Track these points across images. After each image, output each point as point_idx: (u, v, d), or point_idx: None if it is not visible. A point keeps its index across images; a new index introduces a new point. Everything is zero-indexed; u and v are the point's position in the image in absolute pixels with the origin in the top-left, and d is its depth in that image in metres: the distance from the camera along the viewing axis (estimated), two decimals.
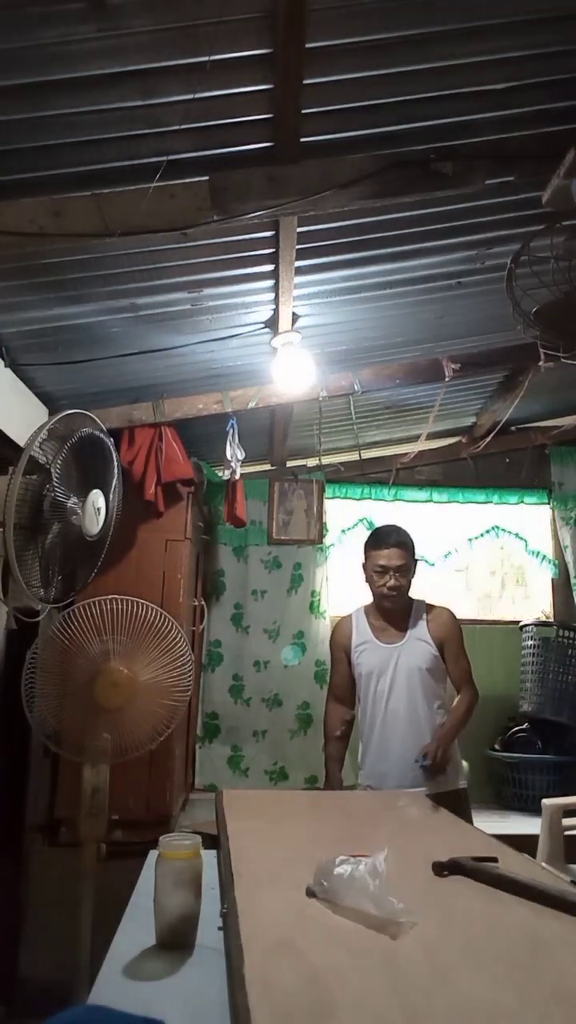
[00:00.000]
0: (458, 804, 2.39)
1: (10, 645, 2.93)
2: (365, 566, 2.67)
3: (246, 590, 4.22)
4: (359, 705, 2.67)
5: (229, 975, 1.02)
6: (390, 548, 2.59)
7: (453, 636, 2.62)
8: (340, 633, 2.74)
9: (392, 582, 2.57)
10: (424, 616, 2.63)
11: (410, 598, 2.66)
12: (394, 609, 2.62)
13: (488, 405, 4.01)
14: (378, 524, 4.35)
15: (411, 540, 2.65)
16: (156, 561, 3.31)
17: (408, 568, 2.60)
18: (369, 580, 2.65)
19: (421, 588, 4.32)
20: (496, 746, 4.06)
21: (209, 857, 1.46)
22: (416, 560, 2.67)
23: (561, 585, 4.43)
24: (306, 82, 1.63)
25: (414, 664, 2.54)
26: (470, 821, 2.28)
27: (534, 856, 2.52)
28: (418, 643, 2.57)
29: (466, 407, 4.09)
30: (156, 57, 1.55)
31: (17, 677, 2.54)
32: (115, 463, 2.57)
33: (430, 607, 2.67)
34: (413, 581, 2.64)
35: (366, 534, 4.28)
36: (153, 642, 2.59)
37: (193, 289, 2.42)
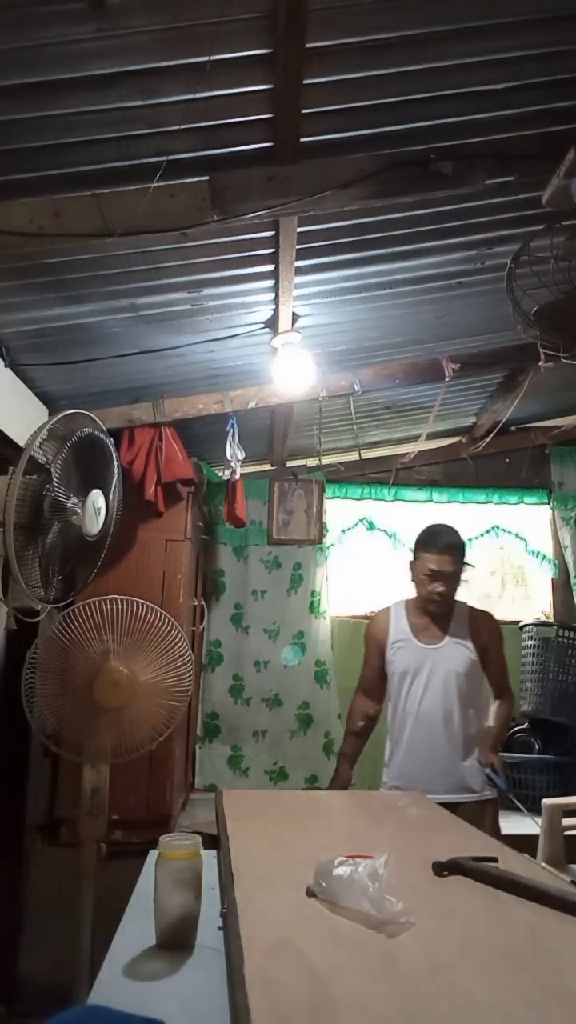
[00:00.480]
0: (483, 815, 2.37)
1: (10, 645, 2.94)
2: (414, 566, 2.58)
3: (246, 590, 4.22)
4: (389, 703, 2.61)
5: (229, 975, 1.02)
6: (442, 554, 2.49)
7: (495, 641, 2.56)
8: (376, 627, 2.67)
9: (441, 588, 2.49)
10: (466, 619, 2.56)
11: (453, 599, 2.59)
12: (444, 610, 2.55)
13: (488, 405, 4.01)
14: (377, 524, 4.39)
15: (463, 543, 2.58)
16: (156, 561, 3.31)
17: (458, 574, 2.52)
18: (416, 581, 2.57)
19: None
20: None
21: (209, 857, 1.45)
22: (466, 564, 2.58)
23: (561, 585, 4.43)
24: (306, 82, 1.62)
25: (452, 668, 2.48)
26: (497, 834, 2.25)
27: (534, 856, 2.52)
28: (457, 647, 2.50)
29: (466, 407, 4.09)
30: (156, 57, 1.55)
31: (17, 677, 2.54)
32: (115, 463, 2.57)
33: (472, 610, 2.60)
34: (461, 585, 2.57)
35: (366, 534, 4.37)
36: (153, 642, 2.59)
37: (193, 289, 2.42)
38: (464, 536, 2.64)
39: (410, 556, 2.64)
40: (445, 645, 2.50)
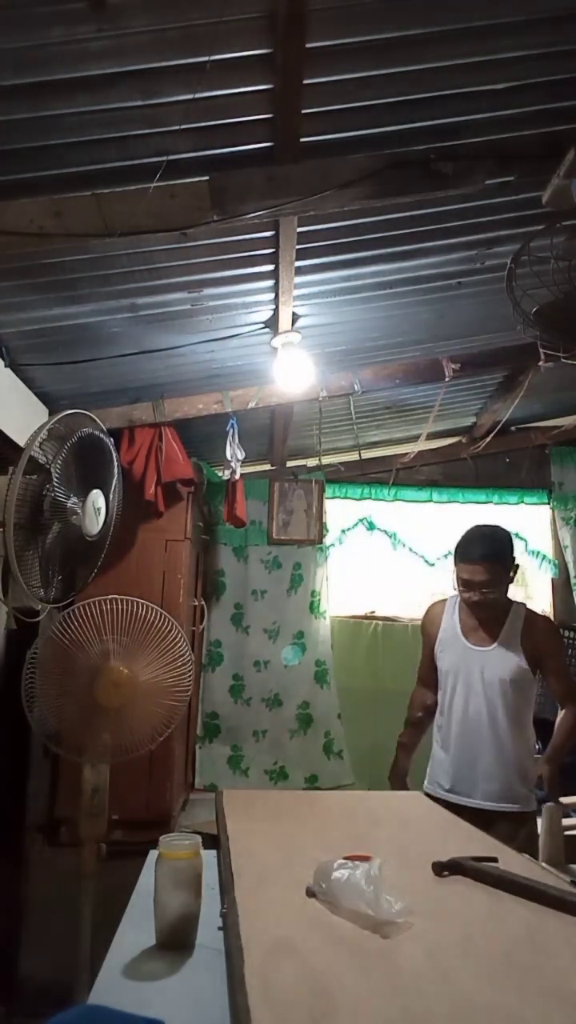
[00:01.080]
0: (520, 828, 2.30)
1: (10, 645, 2.94)
2: (454, 572, 2.50)
3: (246, 590, 4.22)
4: (439, 695, 2.56)
5: (229, 975, 1.02)
6: (474, 564, 2.40)
7: (551, 649, 2.43)
8: (429, 620, 2.63)
9: (477, 597, 2.41)
10: (521, 623, 2.45)
11: (509, 600, 2.50)
12: (493, 613, 2.47)
13: (488, 405, 4.01)
14: (377, 524, 4.39)
15: (503, 548, 2.46)
16: (156, 561, 3.31)
17: (496, 581, 2.40)
18: (457, 587, 2.49)
19: (422, 588, 4.40)
20: None
21: (209, 857, 1.46)
22: (513, 566, 2.46)
23: (561, 585, 4.43)
24: (306, 82, 1.62)
25: (498, 675, 2.39)
26: (534, 852, 2.15)
27: (534, 856, 2.52)
28: (507, 653, 2.40)
29: (466, 407, 4.09)
30: (156, 57, 1.55)
31: (17, 677, 2.54)
32: (115, 463, 2.57)
33: (529, 613, 2.49)
34: (511, 586, 2.47)
35: (366, 534, 4.36)
36: (153, 642, 2.59)
37: (193, 289, 2.42)
38: (507, 534, 2.52)
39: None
40: (494, 649, 2.41)
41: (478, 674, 2.42)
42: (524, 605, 2.52)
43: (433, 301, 2.82)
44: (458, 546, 2.50)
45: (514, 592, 2.59)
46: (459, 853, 1.44)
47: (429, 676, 2.61)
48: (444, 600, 2.64)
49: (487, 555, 2.40)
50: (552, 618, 4.32)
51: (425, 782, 2.54)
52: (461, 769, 2.41)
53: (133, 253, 2.13)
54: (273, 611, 4.20)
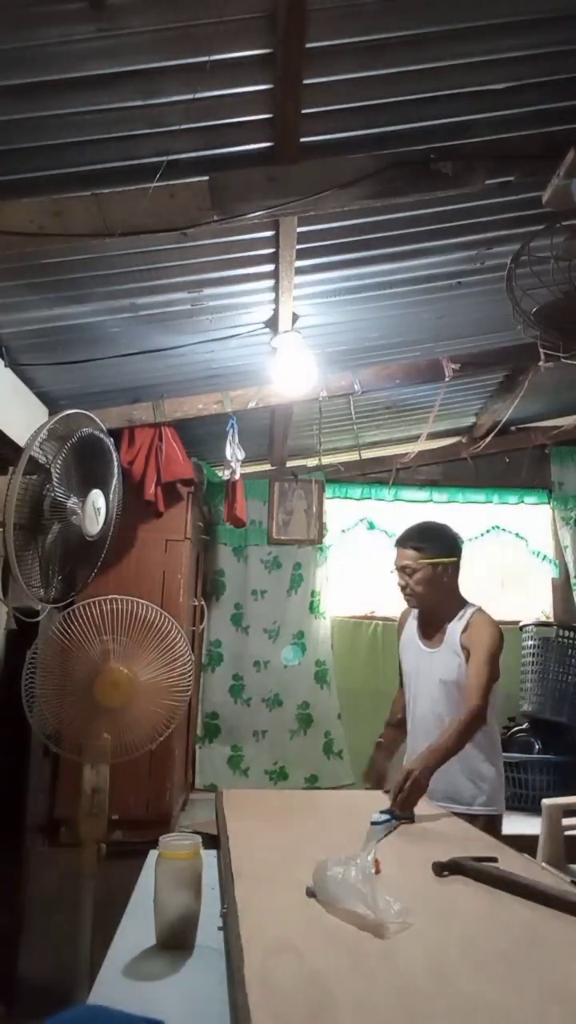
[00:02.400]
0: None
1: (10, 645, 2.94)
2: None
3: (246, 590, 4.22)
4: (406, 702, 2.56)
5: (229, 975, 1.02)
6: (397, 548, 2.45)
7: (478, 644, 2.33)
8: (399, 624, 2.65)
9: (401, 582, 2.43)
10: (463, 625, 2.40)
11: (460, 599, 2.45)
12: (435, 612, 2.44)
13: (488, 405, 4.01)
14: (377, 524, 4.39)
15: (428, 537, 2.42)
16: (156, 561, 3.31)
17: (409, 569, 2.39)
18: None
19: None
20: None
21: (209, 857, 1.46)
22: (434, 556, 2.38)
23: (561, 585, 4.43)
24: (306, 82, 1.63)
25: (442, 675, 2.38)
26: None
27: (534, 856, 2.52)
28: (450, 654, 2.38)
29: (466, 407, 4.09)
30: (156, 57, 1.55)
31: (17, 677, 2.54)
32: (115, 463, 2.57)
33: (475, 615, 2.41)
34: (437, 581, 2.39)
35: (366, 534, 4.36)
36: (153, 642, 2.59)
37: (193, 289, 2.42)
38: (441, 529, 2.49)
39: None
40: (440, 651, 2.41)
41: (426, 675, 2.43)
42: (478, 609, 2.43)
43: (433, 301, 2.82)
44: None
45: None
46: (459, 853, 1.44)
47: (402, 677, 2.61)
48: (407, 608, 2.62)
49: (407, 538, 2.42)
50: (552, 618, 4.33)
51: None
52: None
53: (133, 253, 2.13)
54: (273, 611, 4.20)
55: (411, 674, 2.49)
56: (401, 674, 2.59)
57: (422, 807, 1.98)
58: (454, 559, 2.45)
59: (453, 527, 2.56)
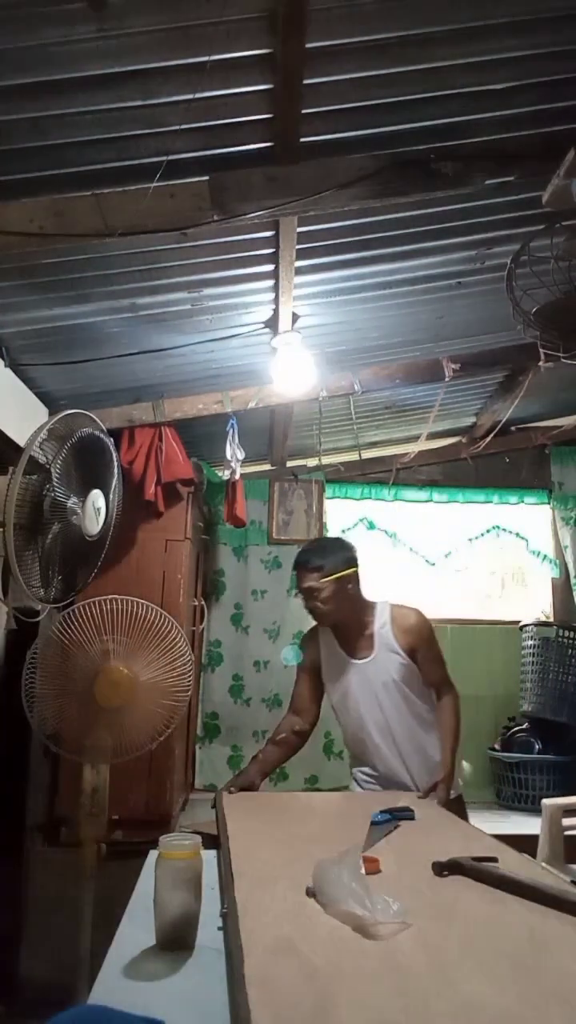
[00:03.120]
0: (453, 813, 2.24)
1: (10, 645, 2.94)
2: None
3: (246, 590, 4.22)
4: (340, 723, 2.50)
5: (229, 975, 1.02)
6: (297, 572, 2.38)
7: (423, 638, 2.38)
8: (306, 642, 2.55)
9: (308, 605, 2.38)
10: (389, 623, 2.39)
11: (369, 602, 2.44)
12: (351, 624, 2.40)
13: (488, 405, 4.01)
14: (378, 524, 4.39)
15: (328, 555, 2.36)
16: (156, 561, 3.31)
17: (315, 590, 2.32)
18: None
19: (421, 588, 4.40)
20: (496, 746, 4.06)
21: (209, 857, 1.45)
22: (340, 574, 2.33)
23: (561, 585, 4.43)
24: (306, 82, 1.63)
25: (382, 679, 2.35)
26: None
27: (534, 856, 2.52)
28: (388, 654, 2.36)
29: (466, 407, 4.09)
30: (156, 57, 1.55)
31: (17, 677, 2.54)
32: (115, 463, 2.56)
33: (394, 609, 2.42)
34: (343, 594, 2.34)
35: (366, 534, 4.36)
36: (153, 642, 2.59)
37: (193, 289, 2.42)
38: (332, 543, 2.48)
39: None
40: (375, 657, 2.37)
41: (366, 686, 2.37)
42: (387, 603, 2.44)
43: (433, 301, 2.82)
44: None
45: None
46: (459, 853, 1.44)
47: (303, 703, 2.52)
48: (314, 627, 2.53)
49: (303, 561, 2.37)
50: (552, 618, 4.34)
51: (355, 788, 2.50)
52: (386, 777, 2.38)
53: (133, 253, 2.13)
54: (273, 611, 4.20)
55: (343, 691, 2.41)
56: (300, 699, 2.52)
57: (422, 807, 1.98)
58: (354, 569, 2.40)
59: (345, 539, 2.53)
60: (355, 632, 2.40)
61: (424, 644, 2.38)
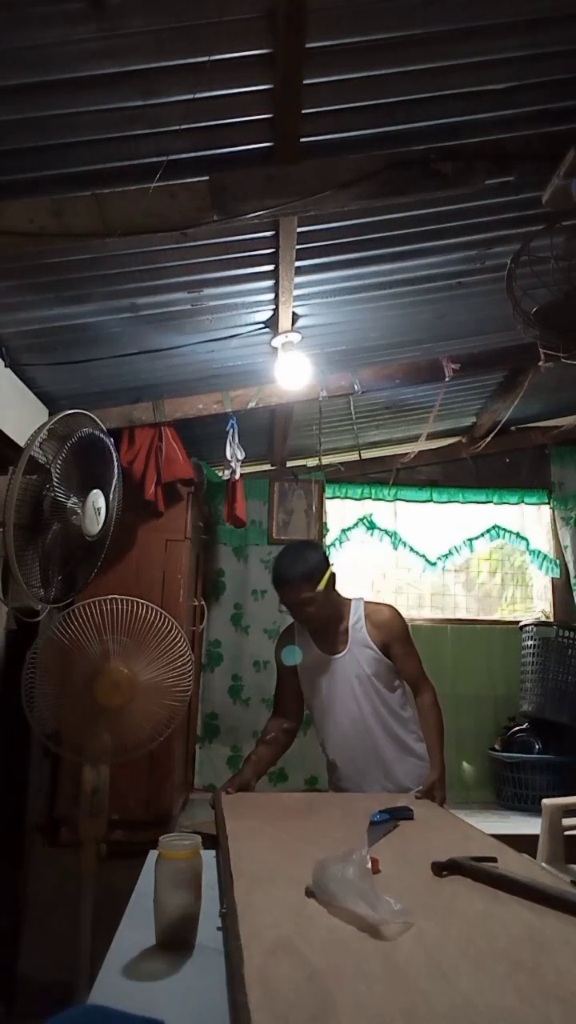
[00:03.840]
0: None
1: (10, 645, 2.94)
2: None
3: (246, 590, 4.22)
4: (315, 722, 2.53)
5: (229, 975, 1.02)
6: (280, 589, 2.39)
7: (396, 634, 2.43)
8: (282, 644, 2.57)
9: (300, 616, 2.42)
10: (363, 619, 2.45)
11: (344, 599, 2.49)
12: (331, 622, 2.44)
13: (488, 405, 4.01)
14: (378, 524, 4.38)
15: (303, 568, 2.36)
16: (156, 561, 3.31)
17: (309, 600, 2.35)
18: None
19: (423, 589, 4.41)
20: (496, 746, 4.06)
21: (209, 857, 1.46)
22: (320, 578, 2.36)
23: (561, 585, 4.43)
24: (306, 82, 1.63)
25: (355, 672, 2.40)
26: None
27: (534, 856, 2.52)
28: (362, 649, 2.41)
29: (466, 407, 4.09)
30: (156, 57, 1.55)
31: (17, 677, 2.54)
32: (115, 463, 2.56)
33: (368, 606, 2.48)
34: (330, 595, 2.40)
35: (366, 534, 4.36)
36: (153, 642, 2.59)
37: (193, 289, 2.42)
38: (303, 550, 2.48)
39: None
40: (348, 652, 2.41)
41: (341, 680, 2.41)
42: (361, 600, 2.50)
43: (433, 301, 2.82)
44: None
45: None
46: (458, 853, 1.44)
47: (288, 705, 2.54)
48: (290, 626, 2.58)
49: (282, 580, 2.38)
50: (552, 618, 4.34)
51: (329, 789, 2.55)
52: (353, 771, 2.42)
53: (133, 253, 2.13)
54: (273, 611, 4.18)
55: (320, 688, 2.45)
56: (282, 700, 2.55)
57: (421, 807, 1.98)
58: (332, 570, 2.43)
59: (310, 542, 2.53)
60: (332, 629, 2.45)
61: (397, 640, 2.44)
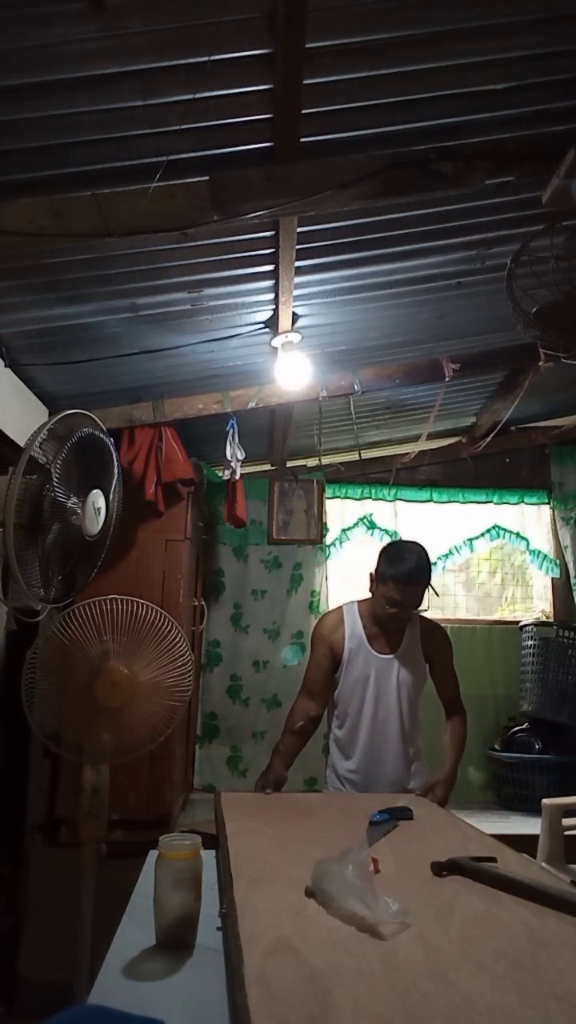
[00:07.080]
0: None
1: (10, 645, 2.94)
2: (378, 585, 2.46)
3: (246, 590, 4.22)
4: (336, 708, 2.55)
5: (229, 975, 1.02)
6: (409, 585, 2.39)
7: (446, 655, 2.56)
8: (329, 630, 2.56)
9: (402, 615, 2.45)
10: (418, 632, 2.53)
11: None
12: (393, 629, 2.52)
13: (488, 405, 4.01)
14: (378, 524, 4.38)
15: (430, 568, 2.47)
16: (156, 561, 3.31)
17: (420, 601, 2.46)
18: (376, 600, 2.47)
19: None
20: (496, 746, 4.06)
21: (209, 857, 1.46)
22: (431, 587, 2.51)
23: (561, 585, 4.43)
24: (306, 82, 1.62)
25: (404, 679, 2.47)
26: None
27: (534, 856, 2.52)
28: (411, 658, 2.50)
29: (466, 407, 4.09)
30: (156, 57, 1.55)
31: (17, 677, 2.54)
32: (115, 463, 2.56)
33: (424, 621, 2.58)
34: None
35: (366, 534, 4.36)
36: (153, 642, 2.59)
37: (193, 289, 2.42)
38: (431, 556, 2.54)
39: (375, 567, 2.50)
40: (400, 656, 2.49)
41: (384, 681, 2.47)
42: (418, 613, 2.58)
43: (433, 301, 2.82)
44: (392, 565, 2.43)
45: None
46: (458, 853, 1.44)
47: (319, 687, 2.54)
48: (339, 610, 2.61)
49: (422, 580, 2.44)
50: (552, 618, 4.34)
51: (327, 781, 2.59)
52: (373, 767, 2.46)
53: (133, 253, 2.13)
54: (273, 611, 4.20)
55: (363, 681, 2.48)
56: (314, 683, 2.55)
57: (420, 807, 1.98)
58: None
59: (423, 545, 2.56)
60: (390, 629, 2.51)
61: (443, 658, 2.56)
